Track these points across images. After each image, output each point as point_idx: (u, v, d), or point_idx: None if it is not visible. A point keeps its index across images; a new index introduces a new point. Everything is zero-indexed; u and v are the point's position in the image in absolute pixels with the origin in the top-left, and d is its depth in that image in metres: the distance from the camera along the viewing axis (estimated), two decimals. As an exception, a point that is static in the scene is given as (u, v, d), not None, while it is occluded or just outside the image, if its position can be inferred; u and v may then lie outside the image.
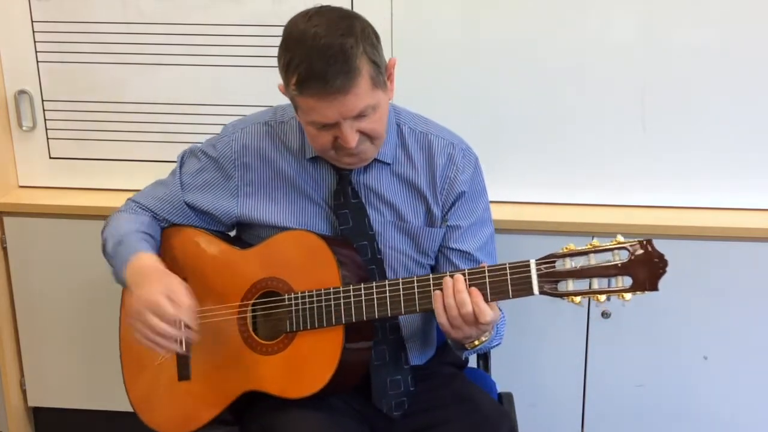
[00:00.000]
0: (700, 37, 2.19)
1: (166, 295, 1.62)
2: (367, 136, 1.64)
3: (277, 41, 2.27)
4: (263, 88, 2.31)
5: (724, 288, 2.26)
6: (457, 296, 1.57)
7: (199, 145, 1.85)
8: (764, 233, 2.22)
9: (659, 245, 2.21)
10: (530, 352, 2.34)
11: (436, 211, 1.79)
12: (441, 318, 1.59)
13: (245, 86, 2.32)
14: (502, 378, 2.05)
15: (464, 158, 1.79)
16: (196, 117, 2.36)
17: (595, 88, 2.25)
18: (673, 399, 2.36)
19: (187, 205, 1.82)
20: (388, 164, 1.77)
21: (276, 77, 2.28)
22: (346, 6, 2.19)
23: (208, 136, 1.86)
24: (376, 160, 1.75)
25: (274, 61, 2.35)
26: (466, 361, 1.98)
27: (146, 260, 1.72)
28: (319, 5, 1.63)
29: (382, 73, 1.62)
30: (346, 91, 1.56)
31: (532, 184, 2.33)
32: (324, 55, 1.53)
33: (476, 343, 1.66)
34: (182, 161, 1.86)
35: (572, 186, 2.32)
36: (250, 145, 1.78)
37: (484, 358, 2.15)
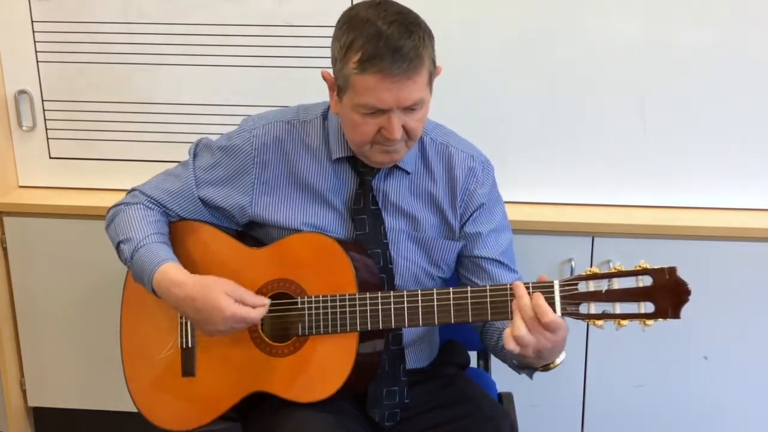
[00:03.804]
0: (700, 38, 2.19)
1: (239, 300, 1.64)
2: (407, 134, 1.63)
3: (278, 41, 2.30)
4: (263, 88, 2.31)
5: (724, 288, 2.26)
6: (528, 298, 1.52)
7: (212, 137, 1.83)
8: (764, 233, 2.22)
9: (658, 245, 2.23)
10: (530, 352, 2.34)
11: (454, 223, 1.78)
12: (520, 329, 1.51)
13: (245, 86, 2.32)
14: (502, 378, 2.05)
15: (484, 171, 1.79)
16: (196, 117, 2.36)
17: (596, 88, 2.25)
18: (673, 399, 2.36)
19: (201, 200, 1.79)
20: (408, 173, 1.76)
21: (276, 77, 2.30)
22: (347, 6, 2.20)
23: (208, 136, 1.85)
24: (397, 167, 1.74)
25: (274, 61, 2.36)
26: (468, 360, 1.98)
27: (174, 273, 1.68)
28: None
29: (433, 74, 1.63)
30: (408, 77, 1.56)
31: (532, 184, 2.33)
32: (394, 39, 1.54)
33: (551, 366, 1.63)
34: (195, 154, 1.81)
35: (572, 186, 2.32)
36: (271, 143, 1.76)
37: (484, 358, 2.15)
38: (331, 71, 1.65)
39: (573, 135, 2.29)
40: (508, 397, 1.98)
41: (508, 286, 1.57)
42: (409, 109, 1.60)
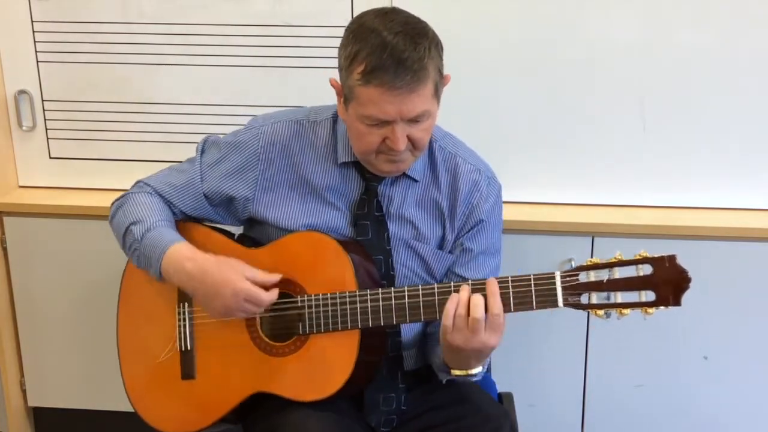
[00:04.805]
0: (700, 38, 2.19)
1: (250, 280, 1.64)
2: (412, 144, 1.63)
3: (277, 41, 2.29)
4: (263, 88, 2.31)
5: (724, 288, 2.26)
6: (472, 299, 1.55)
7: (220, 135, 1.83)
8: (764, 233, 2.22)
9: (658, 245, 2.22)
10: (530, 352, 2.34)
11: (449, 236, 1.78)
12: (447, 320, 1.55)
13: (245, 86, 2.32)
14: (502, 378, 2.05)
15: (489, 186, 1.79)
16: (196, 117, 2.36)
17: (595, 88, 2.25)
18: (673, 399, 2.36)
19: (205, 196, 1.79)
20: (416, 181, 1.76)
21: (276, 77, 2.30)
22: (347, 6, 2.20)
23: (215, 134, 1.86)
24: (405, 175, 1.74)
25: (274, 61, 2.36)
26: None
27: (188, 249, 1.69)
28: (391, 6, 1.62)
29: (440, 84, 1.62)
30: (411, 90, 1.55)
31: (531, 184, 2.33)
32: (398, 51, 1.53)
33: (471, 371, 1.64)
34: (202, 150, 1.82)
35: (572, 186, 2.32)
36: (277, 142, 1.75)
37: (484, 358, 2.15)
38: (337, 77, 1.65)
39: (573, 135, 2.29)
40: (508, 397, 1.99)
41: (509, 278, 1.57)
42: (414, 120, 1.59)
